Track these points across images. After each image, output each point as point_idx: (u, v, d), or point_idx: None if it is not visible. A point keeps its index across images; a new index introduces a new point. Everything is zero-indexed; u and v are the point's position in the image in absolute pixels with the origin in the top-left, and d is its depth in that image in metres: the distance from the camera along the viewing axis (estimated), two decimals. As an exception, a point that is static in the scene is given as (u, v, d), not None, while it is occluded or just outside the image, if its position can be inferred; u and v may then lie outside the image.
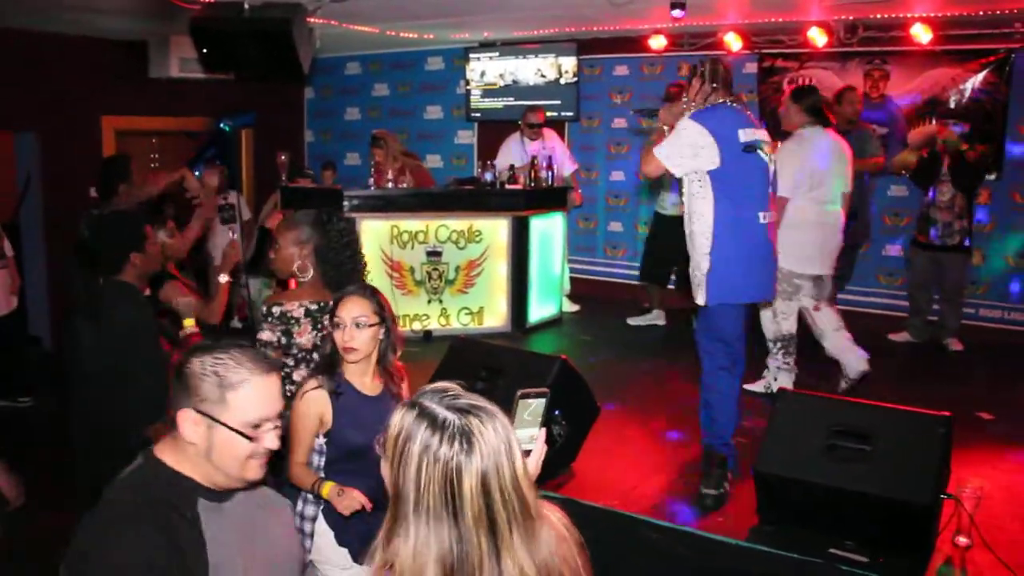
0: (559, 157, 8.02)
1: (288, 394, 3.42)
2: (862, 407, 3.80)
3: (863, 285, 7.86)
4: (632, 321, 7.95)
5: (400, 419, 1.58)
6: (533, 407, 1.92)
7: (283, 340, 3.49)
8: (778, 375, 5.65)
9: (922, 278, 7.08)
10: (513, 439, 1.56)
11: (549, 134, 8.05)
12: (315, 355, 3.47)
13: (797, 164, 5.29)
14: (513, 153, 7.78)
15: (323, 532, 2.99)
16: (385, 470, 1.61)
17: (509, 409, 1.74)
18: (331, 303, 3.11)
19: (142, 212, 4.97)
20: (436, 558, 1.48)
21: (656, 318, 7.87)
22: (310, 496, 3.03)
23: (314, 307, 3.50)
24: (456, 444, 1.50)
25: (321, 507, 3.01)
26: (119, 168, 5.44)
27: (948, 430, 3.55)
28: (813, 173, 5.35)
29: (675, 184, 7.20)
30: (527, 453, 1.86)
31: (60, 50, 8.65)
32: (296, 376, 3.47)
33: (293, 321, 3.48)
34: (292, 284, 3.88)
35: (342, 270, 3.64)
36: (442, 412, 1.54)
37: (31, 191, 8.69)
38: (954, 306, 7.01)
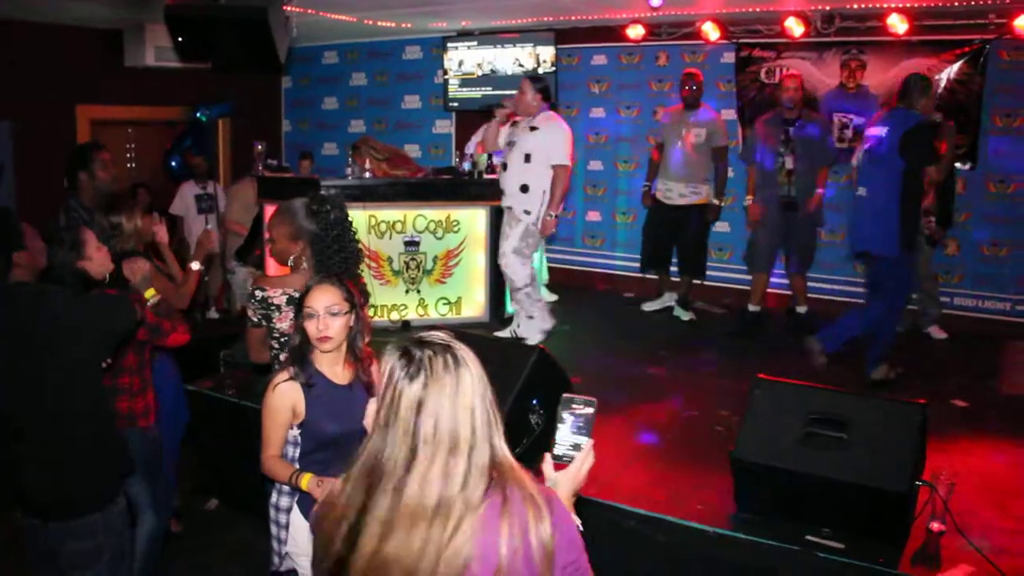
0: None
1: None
2: (839, 395, 3.82)
3: (839, 274, 7.91)
4: (646, 306, 8.02)
5: (387, 357, 1.76)
6: (581, 414, 1.90)
7: (264, 323, 3.52)
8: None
9: None
10: (467, 383, 1.70)
11: None
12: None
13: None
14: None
15: (298, 523, 2.99)
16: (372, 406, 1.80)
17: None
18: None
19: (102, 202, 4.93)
20: (365, 455, 1.71)
21: (668, 301, 7.96)
22: (285, 488, 3.02)
23: (297, 295, 3.48)
24: (409, 370, 1.69)
25: (296, 498, 3.00)
26: (80, 157, 5.39)
27: (924, 418, 3.58)
28: None
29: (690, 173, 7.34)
30: (567, 460, 1.88)
31: (34, 39, 8.55)
32: (283, 358, 3.45)
33: (274, 308, 3.49)
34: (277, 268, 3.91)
35: (337, 257, 3.65)
36: (414, 347, 1.74)
37: (4, 180, 8.58)
38: (930, 295, 7.05)
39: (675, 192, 7.49)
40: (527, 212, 6.19)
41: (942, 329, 7.05)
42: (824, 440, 3.59)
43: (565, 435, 1.90)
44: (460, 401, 1.68)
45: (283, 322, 3.53)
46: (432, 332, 1.81)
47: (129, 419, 3.91)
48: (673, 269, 7.92)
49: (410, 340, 1.76)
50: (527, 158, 6.15)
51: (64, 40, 8.78)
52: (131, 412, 3.94)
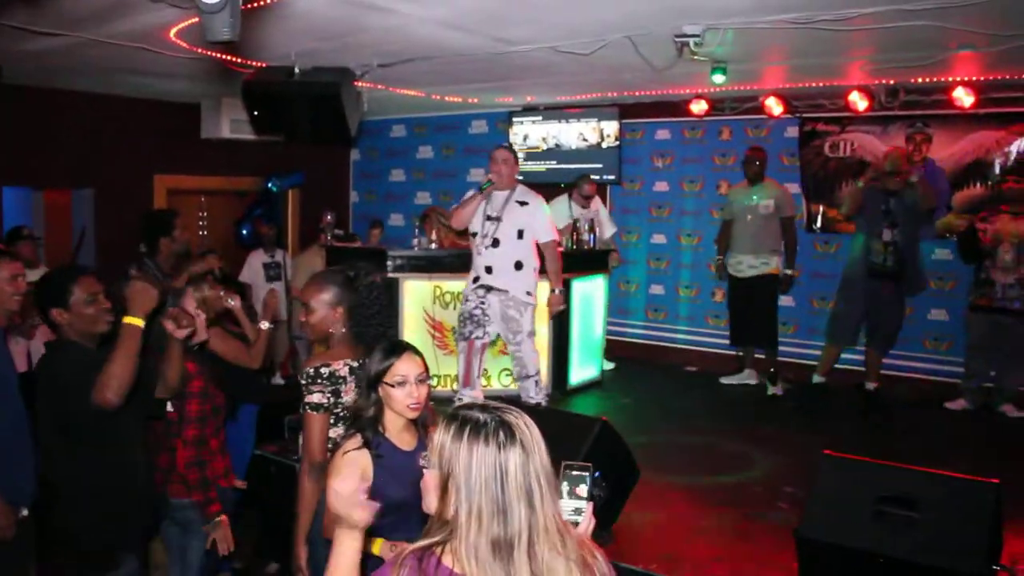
0: (602, 219, 8.14)
1: (328, 449, 3.45)
2: (909, 472, 3.73)
3: (909, 350, 7.76)
4: (725, 380, 7.96)
5: (443, 431, 1.82)
6: (577, 480, 1.99)
7: (331, 400, 3.45)
8: None
9: (981, 342, 6.90)
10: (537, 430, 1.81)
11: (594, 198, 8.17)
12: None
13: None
14: (559, 215, 7.86)
15: (364, 588, 2.99)
16: (432, 479, 1.86)
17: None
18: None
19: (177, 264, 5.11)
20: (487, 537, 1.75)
21: (747, 377, 7.89)
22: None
23: (356, 364, 3.51)
24: (500, 436, 1.77)
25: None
26: (160, 222, 5.59)
27: (998, 497, 3.48)
28: None
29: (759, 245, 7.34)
30: (573, 525, 1.93)
31: (118, 111, 8.95)
32: (332, 434, 3.45)
33: (340, 380, 3.47)
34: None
35: (371, 327, 3.60)
36: (479, 415, 1.81)
37: (85, 245, 8.91)
38: (1014, 371, 6.85)
39: (745, 264, 7.51)
40: (529, 294, 6.06)
41: (1016, 407, 6.83)
42: (894, 519, 3.51)
43: (568, 501, 1.98)
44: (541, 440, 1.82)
45: (348, 394, 3.51)
46: (466, 405, 1.88)
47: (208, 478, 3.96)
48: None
49: (466, 419, 1.83)
50: (520, 234, 6.01)
51: (145, 113, 9.17)
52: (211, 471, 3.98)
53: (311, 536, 3.39)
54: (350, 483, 2.05)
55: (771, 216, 7.39)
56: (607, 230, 8.24)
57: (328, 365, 3.47)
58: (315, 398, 3.43)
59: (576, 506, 1.98)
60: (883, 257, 6.89)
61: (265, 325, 4.71)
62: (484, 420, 1.80)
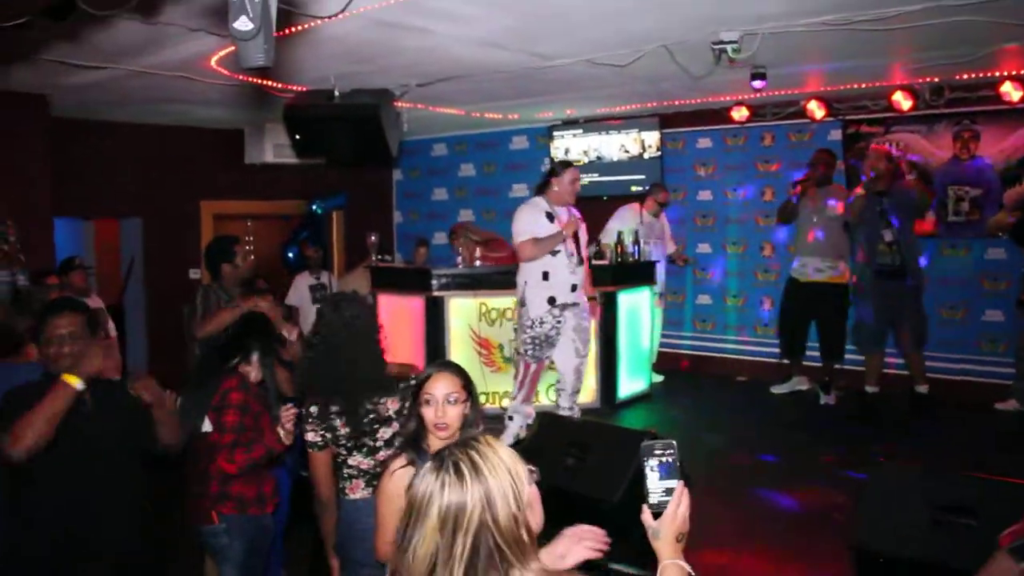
0: (668, 230, 8.31)
1: (345, 476, 3.46)
2: (963, 479, 3.66)
3: (964, 352, 7.60)
4: (775, 389, 7.88)
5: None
6: (665, 459, 1.89)
7: (328, 437, 3.45)
8: None
9: None
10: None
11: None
12: (366, 440, 3.44)
13: None
14: (627, 223, 7.85)
15: (412, 609, 2.98)
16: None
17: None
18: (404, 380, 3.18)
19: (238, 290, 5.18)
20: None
21: (797, 384, 7.82)
22: (403, 575, 3.03)
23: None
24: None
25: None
26: (221, 249, 5.66)
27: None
28: None
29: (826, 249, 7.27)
30: (663, 507, 1.87)
31: (162, 140, 9.13)
32: (351, 461, 3.45)
33: (332, 415, 3.46)
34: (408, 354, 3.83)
35: (327, 366, 3.49)
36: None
37: (134, 274, 9.06)
38: None
39: (810, 267, 7.35)
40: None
41: None
42: (953, 527, 3.43)
43: (655, 483, 1.89)
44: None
45: (345, 427, 3.50)
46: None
47: (240, 504, 3.94)
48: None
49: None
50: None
51: (190, 140, 9.33)
52: (242, 497, 3.96)
53: (344, 557, 3.47)
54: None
55: (838, 220, 7.25)
56: (670, 244, 8.26)
57: (316, 403, 3.48)
58: (309, 437, 3.49)
59: (667, 487, 1.88)
60: (889, 257, 6.78)
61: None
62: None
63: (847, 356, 7.53)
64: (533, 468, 1.84)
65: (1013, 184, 7.00)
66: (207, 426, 3.89)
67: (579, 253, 6.11)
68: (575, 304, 6.11)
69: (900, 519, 3.52)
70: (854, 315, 7.22)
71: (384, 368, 3.57)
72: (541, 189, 6.23)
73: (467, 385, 3.02)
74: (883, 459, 3.86)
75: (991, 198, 7.36)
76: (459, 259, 7.34)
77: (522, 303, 6.11)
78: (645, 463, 1.89)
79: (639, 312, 7.55)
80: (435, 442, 3.01)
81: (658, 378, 8.26)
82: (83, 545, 3.20)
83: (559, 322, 6.04)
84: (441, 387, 2.95)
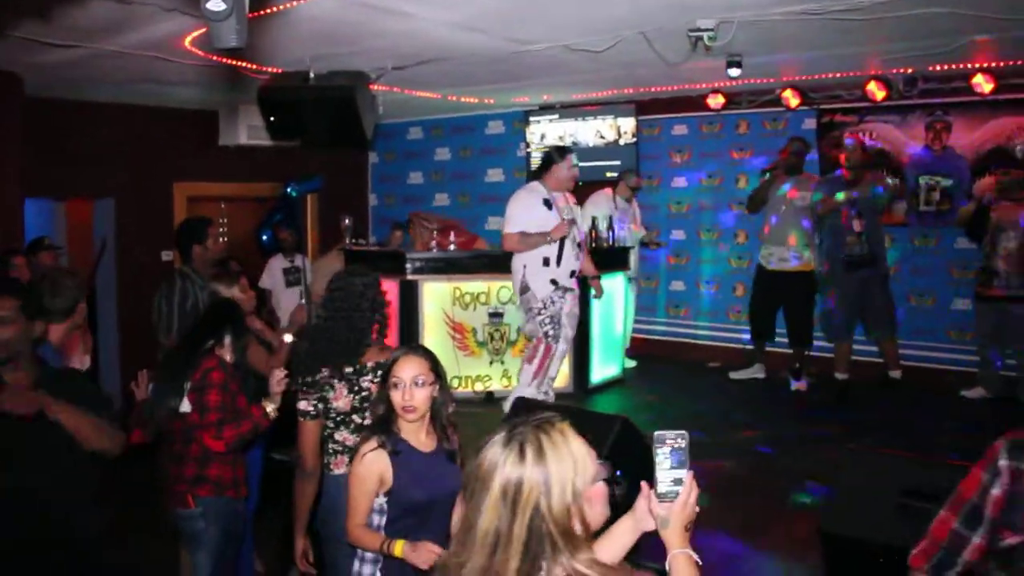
0: (638, 215, 8.32)
1: (331, 451, 3.48)
2: (931, 465, 3.71)
3: (932, 340, 7.70)
4: (735, 375, 7.94)
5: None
6: (676, 449, 1.92)
7: (320, 407, 3.49)
8: None
9: (991, 331, 6.89)
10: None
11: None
12: (354, 417, 3.48)
13: None
14: (601, 209, 7.84)
15: (381, 591, 3.00)
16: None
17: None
18: (366, 364, 3.24)
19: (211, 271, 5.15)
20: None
21: (757, 371, 7.88)
22: (368, 556, 3.04)
23: (349, 370, 3.53)
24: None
25: (379, 565, 3.02)
26: (192, 230, 5.61)
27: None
28: None
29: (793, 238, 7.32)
30: (672, 496, 1.91)
31: (136, 120, 9.01)
32: (337, 436, 3.49)
33: (326, 387, 3.48)
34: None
35: (329, 330, 3.56)
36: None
37: (106, 256, 8.98)
38: None
39: (775, 256, 7.44)
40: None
41: None
42: (920, 513, 3.47)
43: (664, 472, 1.91)
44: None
45: (338, 400, 3.52)
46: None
47: (217, 487, 3.94)
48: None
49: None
50: None
51: (163, 121, 9.22)
52: (220, 480, 3.96)
53: (326, 534, 3.47)
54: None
55: (805, 209, 7.31)
56: (640, 228, 8.29)
57: (312, 373, 3.50)
58: (302, 405, 3.51)
59: (676, 476, 1.92)
60: (858, 247, 6.87)
61: (288, 337, 4.74)
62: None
63: (817, 343, 7.61)
64: (605, 465, 1.86)
65: (983, 175, 7.09)
66: (186, 406, 3.88)
67: (578, 240, 6.18)
68: (571, 290, 6.18)
69: (868, 504, 3.57)
70: (822, 304, 7.31)
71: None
72: (538, 174, 6.24)
73: (435, 368, 3.03)
74: (852, 445, 3.90)
75: (962, 188, 7.44)
76: (429, 242, 7.37)
77: (525, 288, 6.11)
78: (656, 452, 1.92)
79: (613, 297, 7.58)
80: (404, 425, 3.03)
81: (631, 363, 8.30)
82: (29, 541, 3.10)
83: (562, 307, 6.11)
84: (408, 370, 2.96)
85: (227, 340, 4.07)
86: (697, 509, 1.96)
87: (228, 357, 4.06)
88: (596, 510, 1.84)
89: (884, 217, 7.26)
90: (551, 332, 6.08)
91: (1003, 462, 2.31)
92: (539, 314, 6.07)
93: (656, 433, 1.93)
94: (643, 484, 1.97)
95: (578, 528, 1.74)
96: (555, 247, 6.01)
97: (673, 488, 1.91)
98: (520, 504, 1.71)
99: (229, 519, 4.00)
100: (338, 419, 3.49)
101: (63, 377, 3.37)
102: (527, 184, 6.29)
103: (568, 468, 1.75)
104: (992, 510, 2.31)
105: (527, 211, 6.06)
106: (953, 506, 2.40)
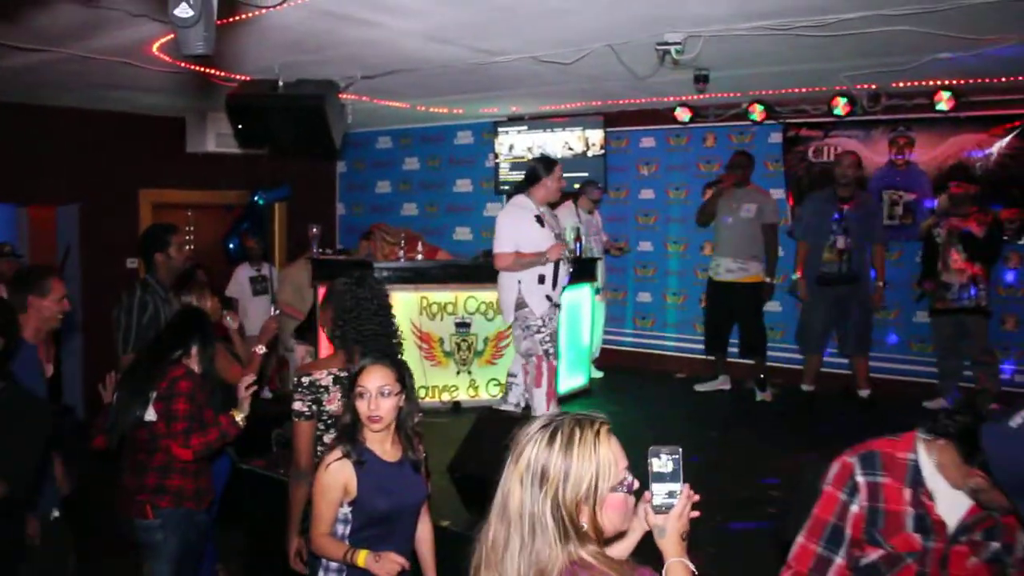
0: (600, 227, 8.34)
1: (319, 453, 3.47)
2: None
3: (896, 352, 7.80)
4: (699, 387, 7.98)
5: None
6: (670, 461, 1.99)
7: (314, 408, 3.50)
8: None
9: (948, 343, 7.02)
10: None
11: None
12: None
13: None
14: (567, 219, 7.82)
15: (345, 601, 3.00)
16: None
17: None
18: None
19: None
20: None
21: (722, 383, 7.91)
22: (332, 565, 3.03)
23: (343, 374, 3.52)
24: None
25: (344, 575, 3.01)
26: (155, 238, 5.55)
27: None
28: None
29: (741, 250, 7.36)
30: (666, 508, 1.97)
31: (102, 126, 8.93)
32: (326, 439, 3.48)
33: (322, 389, 3.49)
34: (327, 351, 3.89)
35: (362, 336, 3.58)
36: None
37: (70, 263, 8.88)
38: (986, 369, 6.90)
39: (723, 267, 7.52)
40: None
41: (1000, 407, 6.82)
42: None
43: (659, 485, 1.98)
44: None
45: (332, 404, 3.53)
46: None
47: (177, 498, 3.92)
48: (732, 350, 7.87)
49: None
50: None
51: (130, 128, 9.14)
52: (180, 491, 3.94)
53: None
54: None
55: (753, 221, 7.41)
56: (602, 237, 8.32)
57: (309, 374, 3.52)
58: (296, 406, 3.51)
59: (670, 489, 1.98)
60: (837, 265, 6.90)
61: (261, 349, 4.72)
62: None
63: (785, 355, 7.68)
64: (630, 480, 1.91)
65: (944, 190, 7.20)
66: (151, 415, 3.85)
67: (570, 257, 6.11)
68: (558, 305, 6.10)
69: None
70: (799, 316, 7.37)
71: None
72: (523, 187, 6.06)
73: (401, 378, 3.04)
74: (816, 455, 3.93)
75: (923, 204, 7.56)
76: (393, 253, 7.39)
77: (521, 304, 5.92)
78: (650, 465, 1.99)
79: (580, 308, 7.61)
80: (369, 434, 3.03)
81: (598, 374, 8.33)
82: None
83: (555, 321, 6.04)
84: (374, 380, 2.97)
85: (194, 350, 4.05)
86: (696, 514, 2.04)
87: (196, 367, 4.04)
88: (611, 517, 1.88)
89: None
90: (551, 350, 5.94)
91: (860, 478, 2.33)
92: (538, 332, 5.90)
93: (651, 448, 2.00)
94: (645, 492, 2.03)
95: (585, 526, 1.82)
96: (551, 265, 5.87)
97: (667, 500, 1.98)
98: (541, 485, 1.81)
99: (188, 530, 3.98)
100: (329, 422, 3.50)
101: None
102: (514, 199, 6.11)
103: (589, 467, 1.82)
104: (853, 529, 2.32)
105: (519, 229, 5.88)
106: (812, 532, 2.40)
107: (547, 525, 1.79)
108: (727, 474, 5.55)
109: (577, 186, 8.30)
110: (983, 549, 2.30)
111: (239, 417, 3.91)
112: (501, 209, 6.19)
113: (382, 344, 3.58)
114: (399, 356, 3.53)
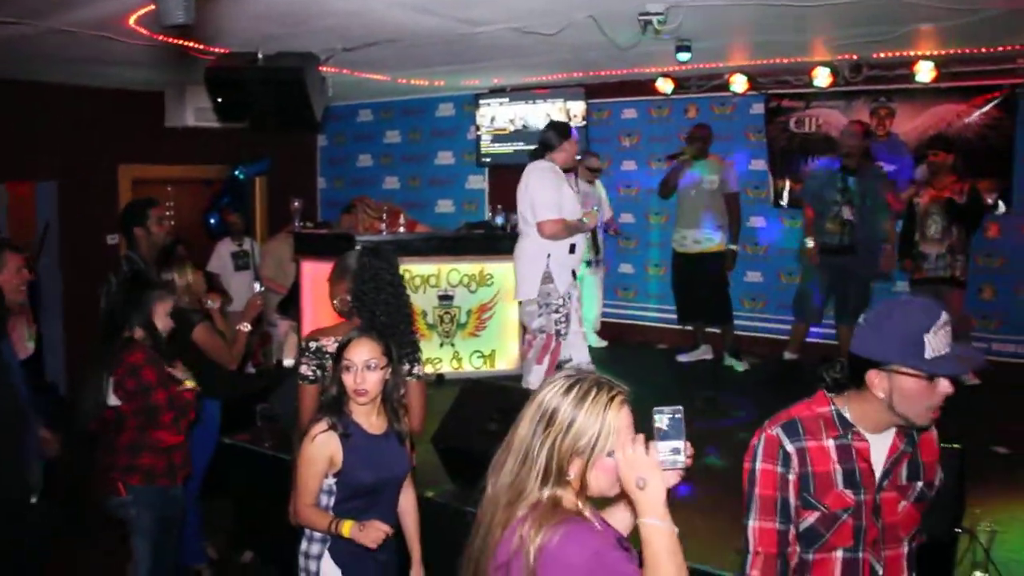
0: (603, 197, 8.36)
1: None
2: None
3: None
4: (682, 358, 8.03)
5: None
6: (672, 420, 2.04)
7: (319, 373, 3.50)
8: None
9: None
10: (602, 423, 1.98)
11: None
12: None
13: None
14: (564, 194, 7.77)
15: (328, 571, 3.01)
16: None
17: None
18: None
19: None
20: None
21: (704, 353, 7.98)
22: (316, 535, 3.05)
23: None
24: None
25: (327, 545, 3.02)
26: (133, 213, 5.51)
27: (962, 463, 3.54)
28: None
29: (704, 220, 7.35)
30: (669, 465, 2.00)
31: (80, 101, 8.81)
32: None
33: (327, 356, 3.49)
34: (312, 326, 3.90)
35: (379, 309, 3.57)
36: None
37: (49, 240, 8.80)
38: (962, 339, 6.95)
39: (689, 239, 7.60)
40: None
41: (976, 375, 6.84)
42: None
43: (664, 443, 2.02)
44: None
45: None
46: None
47: (148, 476, 3.94)
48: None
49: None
50: None
51: (108, 102, 9.03)
52: (151, 469, 3.95)
53: None
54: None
55: (714, 192, 7.48)
56: (607, 210, 8.32)
57: (316, 340, 3.53)
58: (303, 370, 3.53)
59: (674, 446, 2.01)
60: (838, 236, 6.91)
61: (245, 327, 4.71)
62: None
63: (768, 324, 7.72)
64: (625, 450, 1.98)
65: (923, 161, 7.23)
66: (112, 399, 3.86)
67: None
68: (577, 279, 5.99)
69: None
70: (798, 284, 7.40)
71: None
72: (540, 153, 5.87)
73: (387, 351, 3.05)
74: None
75: (904, 174, 7.58)
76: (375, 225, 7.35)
77: (547, 279, 5.68)
78: (654, 424, 2.03)
79: (581, 281, 7.60)
80: (355, 407, 3.04)
81: (602, 343, 8.41)
82: None
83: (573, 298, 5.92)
84: (361, 353, 2.98)
85: (138, 332, 3.99)
86: (689, 461, 2.05)
87: (144, 338, 3.99)
88: (598, 477, 1.98)
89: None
90: (563, 330, 5.78)
91: (789, 447, 2.36)
92: (556, 311, 5.71)
93: (655, 408, 2.05)
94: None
95: (571, 476, 1.95)
96: (579, 236, 5.74)
97: (671, 456, 2.01)
98: (546, 426, 1.96)
99: (163, 506, 4.00)
100: None
101: None
102: (539, 164, 5.81)
103: (593, 425, 1.95)
104: (794, 497, 2.35)
105: (561, 193, 5.67)
106: (764, 511, 2.38)
107: (536, 462, 1.95)
108: (709, 446, 5.58)
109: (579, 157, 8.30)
110: (910, 491, 2.38)
111: (190, 384, 3.95)
112: (527, 175, 5.81)
113: (393, 311, 3.58)
114: (412, 324, 3.59)
